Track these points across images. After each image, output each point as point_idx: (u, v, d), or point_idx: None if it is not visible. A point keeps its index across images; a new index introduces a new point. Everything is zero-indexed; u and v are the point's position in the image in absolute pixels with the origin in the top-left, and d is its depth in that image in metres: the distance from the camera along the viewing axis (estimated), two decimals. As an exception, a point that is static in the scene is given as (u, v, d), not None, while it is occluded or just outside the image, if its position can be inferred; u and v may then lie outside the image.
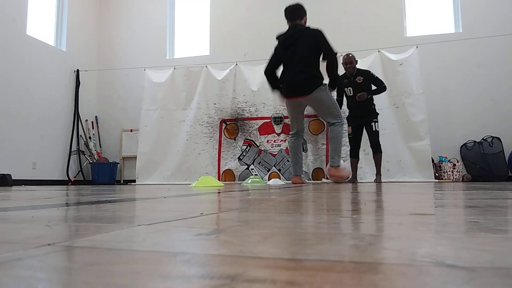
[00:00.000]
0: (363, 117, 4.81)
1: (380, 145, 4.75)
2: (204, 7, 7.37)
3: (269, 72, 4.40)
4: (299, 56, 4.09)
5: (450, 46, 6.05)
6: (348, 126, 4.99)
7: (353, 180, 4.93)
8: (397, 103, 5.52)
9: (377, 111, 4.88)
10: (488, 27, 5.98)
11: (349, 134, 5.00)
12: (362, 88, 4.77)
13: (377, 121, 4.79)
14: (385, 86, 4.82)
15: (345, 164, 4.72)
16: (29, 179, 5.92)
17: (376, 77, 4.87)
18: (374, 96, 4.87)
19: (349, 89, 4.89)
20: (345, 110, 5.12)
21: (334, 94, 5.29)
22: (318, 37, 4.08)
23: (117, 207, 1.14)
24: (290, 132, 4.56)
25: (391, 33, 6.36)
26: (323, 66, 4.20)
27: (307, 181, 5.59)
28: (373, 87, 4.85)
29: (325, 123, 5.83)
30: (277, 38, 4.35)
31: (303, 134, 4.68)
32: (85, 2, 7.45)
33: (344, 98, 5.07)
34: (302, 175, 4.54)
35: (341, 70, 5.33)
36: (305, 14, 4.32)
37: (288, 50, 4.17)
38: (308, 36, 4.12)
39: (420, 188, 2.67)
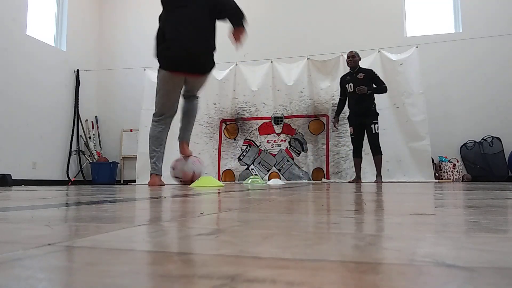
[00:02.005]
0: (364, 115, 4.80)
1: (380, 147, 4.75)
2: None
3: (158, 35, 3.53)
4: (193, 20, 3.34)
5: (450, 46, 6.05)
6: (350, 126, 5.00)
7: (357, 180, 4.93)
8: (397, 103, 5.52)
9: (377, 111, 4.89)
10: (488, 27, 5.98)
11: (351, 134, 5.01)
12: (363, 84, 4.79)
13: (377, 123, 4.80)
14: (385, 87, 4.84)
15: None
16: (29, 179, 5.92)
17: (378, 76, 4.91)
18: (375, 96, 4.88)
19: (350, 85, 4.91)
20: (345, 110, 5.13)
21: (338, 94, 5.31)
22: None
23: (117, 207, 1.14)
24: (157, 118, 3.63)
25: (391, 33, 6.37)
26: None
27: (307, 180, 5.60)
28: (374, 86, 4.86)
29: (324, 122, 5.84)
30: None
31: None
32: (85, 2, 7.45)
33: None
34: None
35: (344, 70, 5.35)
36: None
37: (176, 11, 3.43)
38: None
39: (420, 188, 2.67)
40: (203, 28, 3.39)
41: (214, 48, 3.49)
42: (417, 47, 5.59)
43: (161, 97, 3.57)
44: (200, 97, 6.13)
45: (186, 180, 3.68)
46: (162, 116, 3.60)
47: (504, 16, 6.01)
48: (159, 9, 3.71)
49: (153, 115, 3.67)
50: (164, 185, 3.60)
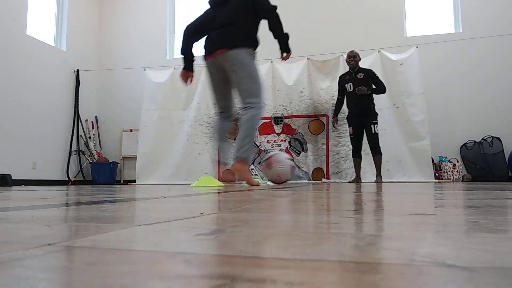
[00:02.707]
0: (363, 116, 4.80)
1: (379, 147, 4.75)
2: (204, 7, 7.36)
3: (188, 31, 3.53)
4: (228, 14, 3.35)
5: (450, 46, 6.05)
6: (349, 126, 5.00)
7: (357, 180, 4.93)
8: (397, 103, 5.53)
9: (376, 111, 4.89)
10: (488, 27, 5.98)
11: (350, 135, 5.01)
12: (362, 84, 4.79)
13: (376, 123, 4.79)
14: (385, 88, 4.84)
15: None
16: (29, 179, 5.92)
17: (377, 76, 4.90)
18: (374, 96, 4.88)
19: (349, 85, 4.91)
20: (345, 109, 5.13)
21: (336, 94, 5.31)
22: None
23: (117, 207, 1.14)
24: (216, 112, 3.66)
25: (391, 33, 6.37)
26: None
27: (307, 180, 5.60)
28: (374, 87, 4.86)
29: (324, 123, 5.83)
30: None
31: (233, 114, 3.68)
32: (85, 2, 7.45)
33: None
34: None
35: (344, 70, 5.34)
36: None
37: (216, 8, 3.48)
38: None
39: (420, 188, 2.67)
40: (235, 22, 3.34)
41: (242, 31, 3.32)
42: (417, 47, 5.59)
43: (212, 92, 3.63)
44: (203, 101, 6.08)
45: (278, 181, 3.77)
46: (219, 110, 3.62)
47: (504, 16, 6.01)
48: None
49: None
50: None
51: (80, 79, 7.14)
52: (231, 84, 3.43)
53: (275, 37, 3.39)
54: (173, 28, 7.52)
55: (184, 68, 3.61)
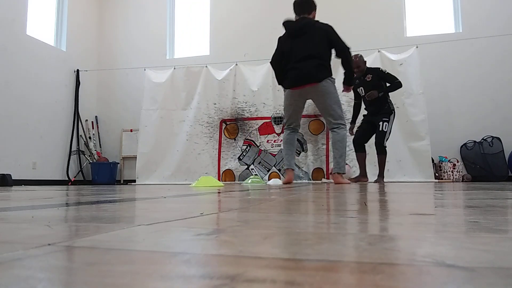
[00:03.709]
0: (376, 114, 4.76)
1: (384, 146, 4.66)
2: (204, 7, 7.37)
3: (276, 62, 4.08)
4: (309, 47, 3.82)
5: (450, 46, 6.05)
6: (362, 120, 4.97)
7: (361, 178, 4.86)
8: (397, 103, 5.51)
9: (393, 108, 4.79)
10: (488, 27, 5.98)
11: (358, 126, 4.97)
12: (372, 85, 4.71)
13: (387, 120, 4.69)
14: (399, 82, 4.68)
15: (347, 168, 4.50)
16: (29, 179, 5.92)
17: (387, 73, 4.75)
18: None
19: (361, 89, 4.87)
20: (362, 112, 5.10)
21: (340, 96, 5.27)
22: (329, 31, 3.87)
23: (117, 207, 1.14)
24: (285, 127, 4.21)
25: (391, 33, 6.37)
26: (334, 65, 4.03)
27: (307, 180, 5.60)
28: (388, 84, 4.74)
29: (325, 123, 5.84)
30: (284, 24, 4.03)
31: (298, 131, 4.38)
32: (85, 2, 7.46)
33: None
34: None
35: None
36: (315, 9, 4.09)
37: (295, 39, 3.90)
38: (318, 29, 3.89)
39: (420, 188, 2.67)
40: (318, 54, 3.86)
41: (325, 65, 3.85)
42: (417, 47, 5.59)
43: (285, 111, 4.20)
44: (203, 101, 6.13)
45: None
46: (291, 126, 4.17)
47: (504, 16, 6.01)
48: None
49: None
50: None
51: (80, 79, 7.14)
52: (303, 109, 4.18)
53: (345, 70, 3.96)
54: (173, 28, 7.52)
55: (280, 84, 4.20)
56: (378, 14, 6.47)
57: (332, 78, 3.90)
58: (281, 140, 5.97)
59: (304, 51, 3.82)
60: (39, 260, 0.39)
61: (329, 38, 3.85)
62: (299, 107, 4.12)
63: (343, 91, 4.20)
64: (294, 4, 4.07)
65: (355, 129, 5.04)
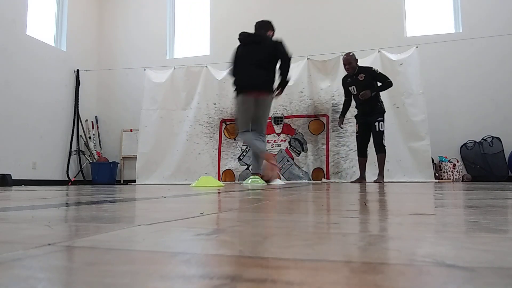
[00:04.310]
0: (369, 114, 4.78)
1: (383, 146, 4.69)
2: (204, 7, 7.37)
3: (233, 73, 4.37)
4: (259, 56, 4.18)
5: (450, 46, 6.05)
6: (356, 124, 4.98)
7: (361, 180, 4.89)
8: (397, 103, 5.52)
9: (385, 108, 4.82)
10: (488, 27, 5.98)
11: (356, 132, 4.98)
12: (365, 85, 4.73)
13: (382, 120, 4.72)
14: (390, 82, 4.73)
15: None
16: (29, 179, 5.92)
17: (379, 73, 4.80)
18: (381, 93, 4.83)
19: (353, 88, 4.88)
20: (352, 110, 5.12)
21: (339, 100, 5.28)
22: (278, 45, 4.18)
23: (117, 207, 1.14)
24: (238, 132, 4.40)
25: (391, 33, 6.36)
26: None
27: (307, 180, 5.60)
28: (379, 84, 4.78)
29: (324, 123, 5.84)
30: (240, 34, 4.38)
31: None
32: (85, 2, 7.45)
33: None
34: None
35: (344, 69, 5.33)
36: (272, 31, 4.46)
37: (247, 47, 4.26)
38: (269, 43, 4.26)
39: (420, 188, 2.67)
40: (269, 70, 4.25)
41: (272, 80, 4.24)
42: (417, 47, 5.59)
43: (238, 116, 4.43)
44: (203, 101, 6.19)
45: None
46: (244, 130, 4.36)
47: (504, 16, 6.01)
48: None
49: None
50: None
51: (80, 79, 7.14)
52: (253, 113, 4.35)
53: (281, 77, 4.21)
54: (173, 28, 7.52)
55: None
56: (378, 14, 6.47)
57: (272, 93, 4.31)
58: (281, 140, 5.97)
59: (254, 59, 4.18)
60: (39, 260, 0.39)
61: (276, 52, 4.17)
62: (250, 112, 4.28)
63: (275, 94, 4.33)
64: (256, 24, 4.49)
65: (351, 128, 5.11)
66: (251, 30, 4.46)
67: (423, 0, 6.59)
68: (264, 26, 4.45)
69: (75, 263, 0.40)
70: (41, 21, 6.65)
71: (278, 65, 4.22)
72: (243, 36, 4.37)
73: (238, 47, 4.37)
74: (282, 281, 0.31)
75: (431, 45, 5.98)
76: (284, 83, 4.26)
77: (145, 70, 6.61)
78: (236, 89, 4.29)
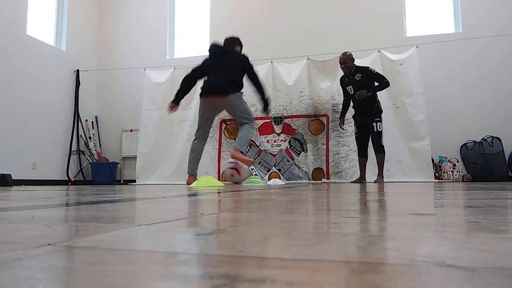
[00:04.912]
0: (366, 114, 4.78)
1: (382, 146, 4.70)
2: (204, 7, 7.37)
3: (187, 77, 4.61)
4: (225, 66, 4.40)
5: (450, 46, 6.05)
6: (354, 125, 4.98)
7: (361, 180, 4.89)
8: (397, 103, 5.52)
9: (382, 108, 4.83)
10: (488, 27, 5.98)
11: (355, 134, 4.98)
12: (361, 85, 4.73)
13: (379, 120, 4.73)
14: (387, 82, 4.73)
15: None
16: (29, 179, 5.91)
17: (376, 73, 4.79)
18: (378, 93, 4.84)
19: (350, 88, 4.89)
20: (351, 109, 5.12)
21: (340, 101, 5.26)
22: (243, 60, 4.45)
23: (117, 207, 1.14)
24: (195, 135, 4.58)
25: (391, 33, 6.36)
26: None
27: (307, 180, 5.60)
28: (376, 84, 4.78)
29: (324, 123, 5.84)
30: (210, 46, 4.65)
31: (206, 141, 4.71)
32: (85, 2, 7.45)
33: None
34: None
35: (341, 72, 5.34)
36: (240, 46, 4.69)
37: (216, 59, 4.49)
38: (236, 56, 4.51)
39: (420, 188, 2.67)
40: (231, 75, 4.43)
41: (236, 82, 4.40)
42: (417, 47, 5.59)
43: (198, 120, 4.63)
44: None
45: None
46: (197, 135, 4.58)
47: (504, 16, 6.00)
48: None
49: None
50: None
51: (80, 79, 7.14)
52: (213, 119, 4.66)
53: (260, 95, 4.47)
54: (173, 28, 7.52)
55: (173, 101, 4.70)
56: (378, 14, 6.46)
57: (240, 93, 4.50)
58: (281, 140, 5.97)
59: (221, 69, 4.43)
60: (39, 260, 0.39)
61: (242, 63, 4.43)
62: (210, 117, 4.56)
63: (264, 113, 4.59)
64: (224, 40, 4.73)
65: (351, 128, 5.11)
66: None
67: (423, 0, 6.59)
68: (232, 42, 4.70)
69: (75, 263, 0.40)
70: (41, 21, 6.65)
71: (243, 77, 4.44)
72: (212, 48, 4.61)
73: (206, 59, 4.59)
74: (282, 281, 0.31)
75: (431, 45, 5.98)
76: (266, 101, 4.48)
77: (145, 70, 6.61)
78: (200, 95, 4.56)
